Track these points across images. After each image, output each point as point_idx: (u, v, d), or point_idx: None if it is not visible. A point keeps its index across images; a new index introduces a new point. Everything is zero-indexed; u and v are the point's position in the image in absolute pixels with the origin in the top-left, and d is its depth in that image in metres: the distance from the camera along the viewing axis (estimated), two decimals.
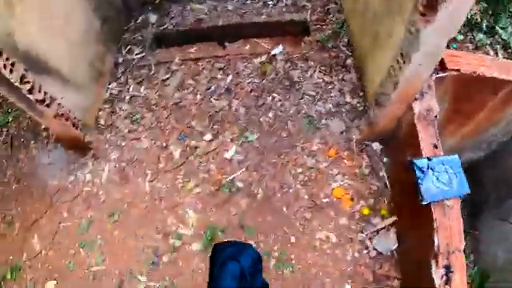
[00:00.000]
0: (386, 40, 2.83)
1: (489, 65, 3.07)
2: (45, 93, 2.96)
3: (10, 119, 4.07)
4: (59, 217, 3.46)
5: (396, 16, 2.61)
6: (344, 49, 3.48)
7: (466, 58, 3.09)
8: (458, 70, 3.00)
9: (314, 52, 3.53)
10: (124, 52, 3.89)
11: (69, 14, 3.21)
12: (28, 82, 2.78)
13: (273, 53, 3.60)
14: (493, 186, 4.26)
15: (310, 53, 3.53)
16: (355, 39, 3.47)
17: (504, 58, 4.10)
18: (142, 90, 3.69)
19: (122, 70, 3.82)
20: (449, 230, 2.61)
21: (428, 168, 2.65)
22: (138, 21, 4.08)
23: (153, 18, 4.05)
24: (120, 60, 3.87)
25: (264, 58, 3.62)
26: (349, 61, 3.43)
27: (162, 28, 3.96)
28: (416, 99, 2.83)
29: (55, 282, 3.28)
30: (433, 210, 2.60)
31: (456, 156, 2.76)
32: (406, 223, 3.03)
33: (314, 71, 3.43)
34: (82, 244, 3.30)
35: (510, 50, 4.24)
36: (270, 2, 3.88)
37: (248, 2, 3.94)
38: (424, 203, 2.56)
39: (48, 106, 3.02)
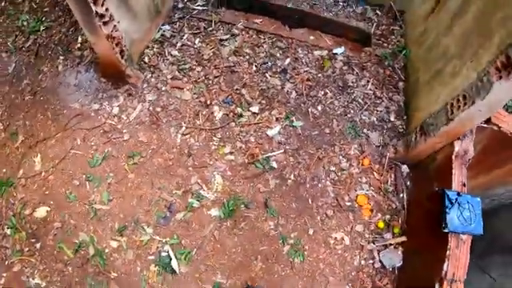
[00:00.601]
0: (449, 78, 2.98)
1: None
2: (106, 9, 2.80)
3: (42, 28, 3.76)
4: (71, 143, 3.24)
5: (468, 62, 2.76)
6: (399, 71, 3.60)
7: (509, 118, 3.33)
8: (498, 127, 3.24)
9: (372, 64, 3.61)
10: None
11: None
12: None
13: (334, 51, 3.64)
14: (479, 238, 4.55)
15: (368, 64, 3.61)
16: (412, 66, 3.60)
17: None
18: (196, 41, 3.57)
19: (180, 16, 3.67)
20: (458, 261, 2.78)
21: (456, 201, 2.82)
22: None
23: None
24: (180, 5, 3.72)
25: (325, 53, 3.65)
26: (401, 84, 3.55)
27: None
28: (458, 138, 3.01)
29: (48, 208, 3.05)
30: (449, 239, 2.76)
31: (479, 199, 2.96)
32: (414, 246, 3.17)
33: (368, 82, 3.52)
34: (90, 177, 3.10)
35: None
36: (341, 3, 3.93)
37: None
38: (445, 231, 2.72)
39: (105, 23, 2.86)
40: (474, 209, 2.94)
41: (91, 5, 2.64)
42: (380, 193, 3.22)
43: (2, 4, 4.02)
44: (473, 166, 3.88)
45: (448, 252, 2.76)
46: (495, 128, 3.24)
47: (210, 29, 3.65)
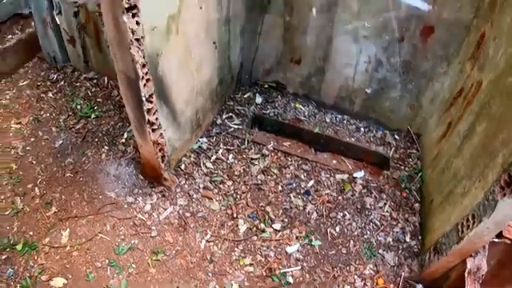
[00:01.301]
0: (459, 198, 3.16)
1: None
2: (156, 118, 3.21)
3: (93, 116, 4.25)
4: (101, 227, 3.52)
5: (477, 182, 2.98)
6: (415, 193, 3.83)
7: None
8: (510, 240, 3.36)
9: (389, 187, 3.87)
10: (224, 116, 4.25)
11: (201, 62, 3.68)
12: (151, 102, 3.08)
13: (355, 175, 3.95)
14: None
15: (386, 186, 3.87)
16: (427, 188, 3.84)
17: None
18: (229, 157, 3.97)
19: (217, 132, 4.14)
20: None
21: None
22: (245, 96, 4.51)
23: (258, 99, 4.52)
24: (218, 121, 4.20)
25: (346, 176, 3.96)
26: (416, 205, 3.75)
27: (263, 111, 4.35)
28: (471, 255, 3.12)
29: (65, 281, 3.20)
30: None
31: None
32: None
33: (385, 204, 3.73)
34: (113, 263, 3.29)
35: None
36: (362, 129, 4.33)
37: (344, 121, 4.41)
38: None
39: (154, 130, 3.27)
40: None
41: (145, 113, 3.08)
42: None
43: (62, 83, 4.59)
44: (487, 281, 3.91)
45: None
46: (508, 241, 3.36)
47: (243, 147, 4.08)
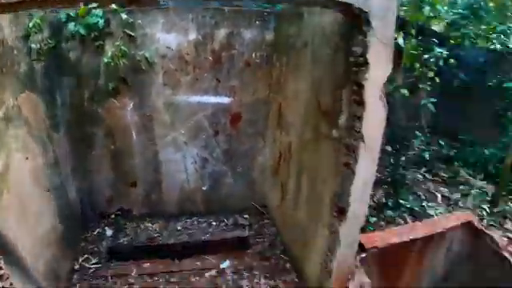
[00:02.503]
0: (314, 245, 3.60)
1: (398, 233, 3.98)
2: (11, 283, 2.92)
3: None
4: None
5: (319, 223, 3.46)
6: (282, 255, 4.15)
7: (379, 236, 3.98)
8: (375, 247, 3.83)
9: (257, 262, 4.10)
10: (80, 260, 4.04)
11: (40, 212, 3.52)
12: (1, 268, 2.81)
13: (222, 266, 4.08)
14: None
15: (254, 263, 4.09)
16: (289, 247, 4.21)
17: (412, 221, 5.14)
18: None
19: (78, 278, 3.87)
20: None
21: None
22: (95, 233, 4.42)
23: (109, 231, 4.45)
24: (76, 267, 3.98)
25: (214, 272, 4.05)
26: (288, 264, 4.05)
27: (117, 242, 4.31)
28: (349, 279, 3.46)
29: None
30: None
31: None
32: None
33: (260, 278, 3.92)
34: None
35: (415, 214, 5.35)
36: (214, 223, 4.61)
37: (195, 223, 4.63)
38: None
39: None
40: None
41: None
42: None
43: None
44: (382, 285, 4.27)
45: None
46: (374, 250, 3.80)
47: (109, 284, 3.88)
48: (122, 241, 4.44)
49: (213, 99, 4.36)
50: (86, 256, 4.24)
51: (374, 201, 5.63)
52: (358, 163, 2.73)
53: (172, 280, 4.01)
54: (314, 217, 3.59)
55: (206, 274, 4.04)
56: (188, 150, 4.52)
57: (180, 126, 4.39)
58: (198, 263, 4.19)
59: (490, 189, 6.75)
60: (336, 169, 3.01)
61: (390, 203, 5.48)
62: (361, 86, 2.61)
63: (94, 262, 4.19)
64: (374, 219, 5.02)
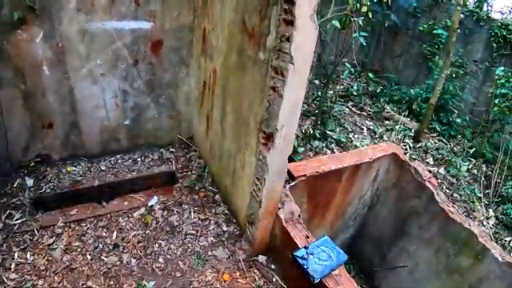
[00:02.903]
0: (242, 171, 3.56)
1: (326, 162, 4.11)
2: None
3: None
4: None
5: (245, 151, 3.41)
6: (210, 187, 4.09)
7: (308, 164, 4.07)
8: (304, 176, 3.93)
9: (186, 196, 4.01)
10: (3, 217, 3.64)
11: None
12: None
13: (150, 204, 3.93)
14: (372, 248, 5.09)
15: (183, 197, 3.99)
16: (217, 178, 4.15)
17: (339, 151, 5.37)
18: (28, 256, 3.42)
19: (4, 237, 3.51)
20: None
21: (308, 254, 3.21)
22: (15, 185, 3.97)
23: (29, 181, 4.01)
24: (0, 226, 3.59)
25: (143, 210, 3.89)
26: (217, 196, 4.02)
27: (39, 192, 3.92)
28: (279, 208, 3.54)
29: None
30: (326, 283, 3.06)
31: (326, 236, 3.44)
32: None
33: (190, 212, 3.85)
34: None
35: (342, 144, 5.59)
36: (139, 159, 4.36)
37: (119, 161, 4.34)
38: (316, 281, 3.02)
39: None
40: (328, 246, 3.37)
41: None
42: None
43: None
44: (313, 213, 4.50)
45: None
46: (303, 178, 3.92)
47: (36, 238, 3.56)
48: (44, 189, 4.04)
49: (132, 25, 3.90)
50: (8, 211, 3.81)
51: (302, 131, 5.74)
52: (286, 86, 2.61)
53: (100, 224, 3.78)
54: (240, 145, 3.51)
55: (135, 214, 3.88)
56: (106, 83, 4.08)
57: (96, 56, 3.91)
58: (126, 203, 3.99)
59: (414, 126, 7.22)
60: (263, 93, 2.89)
61: (317, 134, 5.62)
62: (292, 3, 2.42)
63: (17, 217, 3.77)
64: (302, 149, 5.12)
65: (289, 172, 3.83)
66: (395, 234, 4.89)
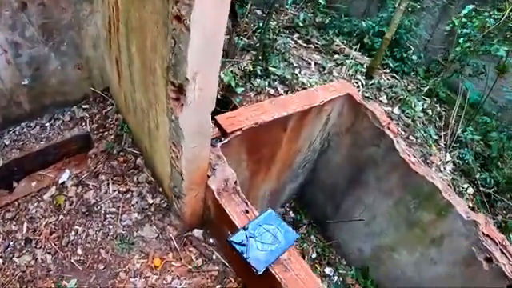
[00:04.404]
0: (157, 132, 2.80)
1: (267, 109, 3.28)
2: None
3: None
4: None
5: (156, 107, 2.59)
6: (131, 149, 3.35)
7: (243, 114, 3.27)
8: (240, 130, 3.12)
9: (103, 164, 3.29)
10: None
11: None
12: None
13: (61, 181, 3.22)
14: (324, 199, 4.64)
15: (99, 166, 3.27)
16: (136, 137, 3.38)
17: (284, 91, 4.48)
18: None
19: None
20: (299, 280, 2.59)
21: (248, 238, 2.62)
22: None
23: None
24: None
25: (54, 190, 3.17)
26: (139, 160, 3.31)
27: None
28: (209, 176, 2.82)
29: None
30: (273, 272, 2.56)
31: (270, 211, 2.80)
32: None
33: (108, 185, 3.17)
34: None
35: (287, 82, 4.67)
36: (47, 124, 3.54)
37: (24, 130, 3.50)
38: (261, 272, 2.50)
39: None
40: (272, 223, 2.77)
41: None
42: (194, 274, 2.97)
43: None
44: (256, 169, 3.81)
45: (283, 284, 2.55)
46: (239, 133, 3.14)
47: None
48: None
49: None
50: None
51: (240, 69, 4.74)
52: (194, 13, 1.75)
53: (8, 216, 3.08)
54: (150, 98, 2.71)
55: (45, 196, 3.15)
56: None
57: None
58: (34, 183, 3.24)
59: (365, 61, 6.48)
60: (166, 27, 2.02)
61: (259, 71, 4.62)
62: None
63: None
64: (242, 89, 4.21)
65: (220, 127, 3.04)
66: (350, 183, 4.43)
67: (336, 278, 4.72)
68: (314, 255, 4.81)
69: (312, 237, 5.02)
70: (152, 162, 3.18)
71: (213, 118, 2.90)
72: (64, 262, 2.92)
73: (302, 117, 3.60)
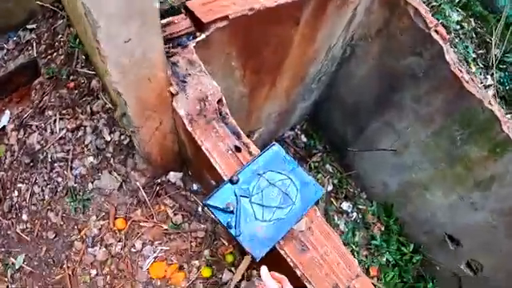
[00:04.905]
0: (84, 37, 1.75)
1: None
2: None
3: None
4: None
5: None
6: (84, 70, 2.35)
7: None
8: (226, 19, 1.92)
9: (49, 95, 2.35)
10: None
11: None
12: None
13: (1, 125, 2.42)
14: (343, 122, 3.49)
15: (45, 99, 2.35)
16: (89, 50, 2.35)
17: None
18: None
19: None
20: (325, 266, 1.52)
21: (238, 200, 1.50)
22: None
23: None
24: None
25: None
26: (94, 82, 2.29)
27: None
28: (174, 95, 1.72)
29: None
30: (283, 252, 1.52)
31: (276, 147, 1.64)
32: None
33: (55, 122, 2.26)
34: None
35: None
36: None
37: None
38: (258, 260, 1.44)
39: None
40: (280, 170, 1.59)
41: None
42: (171, 237, 2.03)
43: None
44: (256, 82, 2.57)
45: (298, 272, 1.50)
46: (223, 24, 1.95)
47: None
48: None
49: None
50: None
51: None
52: None
53: None
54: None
55: None
56: None
57: None
58: None
59: None
60: None
61: None
62: None
63: None
64: None
65: (192, 16, 1.85)
66: (378, 102, 3.20)
67: (355, 214, 3.77)
68: (329, 187, 3.77)
69: (327, 166, 3.92)
70: (102, 82, 2.16)
71: None
72: (9, 232, 2.18)
73: (321, 6, 2.28)
